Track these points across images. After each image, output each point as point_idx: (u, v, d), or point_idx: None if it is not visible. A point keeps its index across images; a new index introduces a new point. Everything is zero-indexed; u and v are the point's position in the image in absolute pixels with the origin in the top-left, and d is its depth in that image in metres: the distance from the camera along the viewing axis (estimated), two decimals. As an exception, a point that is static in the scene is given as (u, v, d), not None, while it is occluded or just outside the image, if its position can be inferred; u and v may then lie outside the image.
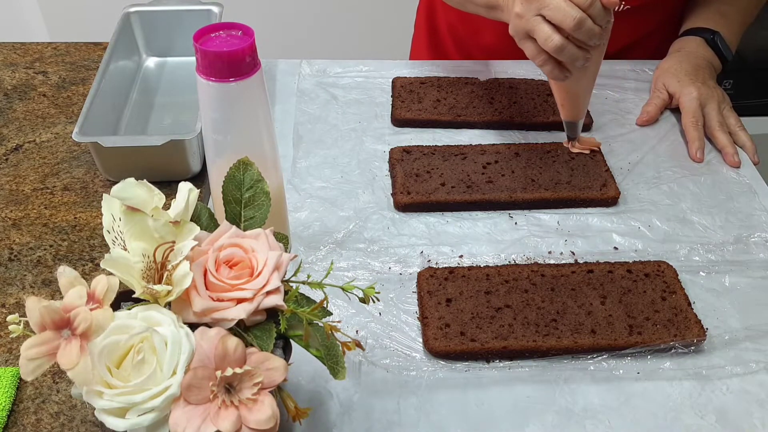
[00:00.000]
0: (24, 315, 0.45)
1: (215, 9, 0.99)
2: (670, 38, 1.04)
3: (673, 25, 1.07)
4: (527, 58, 1.04)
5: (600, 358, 0.66)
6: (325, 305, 0.50)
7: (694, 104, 0.92)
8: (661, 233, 0.79)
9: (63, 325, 0.45)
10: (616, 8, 0.74)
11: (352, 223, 0.79)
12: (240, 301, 0.49)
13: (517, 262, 0.76)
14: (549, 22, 0.72)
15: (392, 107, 0.95)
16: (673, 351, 0.67)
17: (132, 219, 0.49)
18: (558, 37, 0.71)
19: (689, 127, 0.91)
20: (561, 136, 0.90)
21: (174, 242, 0.49)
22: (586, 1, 0.70)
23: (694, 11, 1.03)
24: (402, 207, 0.81)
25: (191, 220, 0.54)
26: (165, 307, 0.48)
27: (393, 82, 0.98)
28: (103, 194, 0.51)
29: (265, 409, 0.45)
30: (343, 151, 0.89)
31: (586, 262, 0.75)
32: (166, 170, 0.81)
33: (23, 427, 0.61)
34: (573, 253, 0.77)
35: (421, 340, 0.67)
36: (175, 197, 0.54)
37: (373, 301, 0.53)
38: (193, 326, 0.47)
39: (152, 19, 1.00)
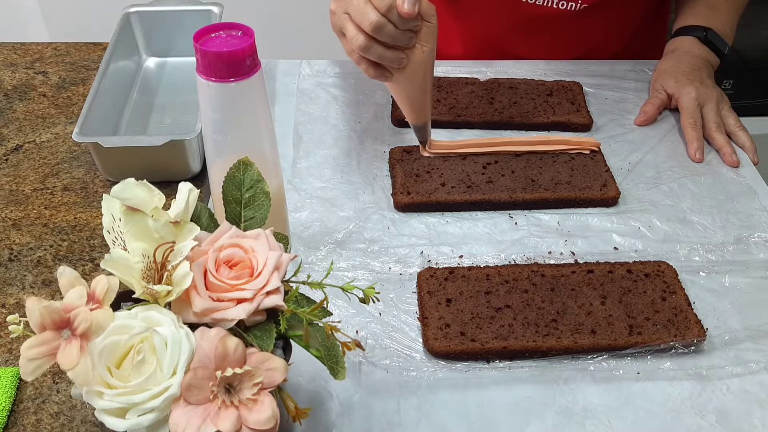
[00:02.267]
0: (24, 315, 0.45)
1: (215, 9, 0.99)
2: (657, 36, 1.03)
3: (655, 22, 1.06)
4: (518, 59, 1.04)
5: (600, 358, 0.66)
6: (325, 305, 0.50)
7: (693, 104, 0.92)
8: (661, 233, 0.79)
9: (63, 325, 0.45)
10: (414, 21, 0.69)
11: (352, 223, 0.79)
12: (240, 301, 0.49)
13: (517, 262, 0.76)
14: (352, 19, 0.69)
15: (392, 107, 0.95)
16: (673, 351, 0.67)
17: (132, 219, 0.49)
18: (362, 38, 0.68)
19: (688, 127, 0.91)
20: (562, 137, 0.90)
21: (174, 242, 0.49)
22: (384, 6, 0.66)
23: (684, 8, 1.03)
24: (402, 207, 0.81)
25: (191, 220, 0.54)
26: (165, 307, 0.48)
27: (393, 82, 0.98)
28: (103, 194, 0.51)
29: (265, 410, 0.45)
30: (343, 151, 0.89)
31: (586, 263, 0.75)
32: (166, 170, 0.81)
33: (23, 427, 0.61)
34: (573, 254, 0.77)
35: (421, 340, 0.67)
36: (175, 197, 0.54)
37: (373, 302, 0.53)
38: (193, 326, 0.47)
39: (152, 19, 1.00)
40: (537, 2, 0.99)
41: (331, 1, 0.72)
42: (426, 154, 0.85)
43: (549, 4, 0.99)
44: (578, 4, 0.99)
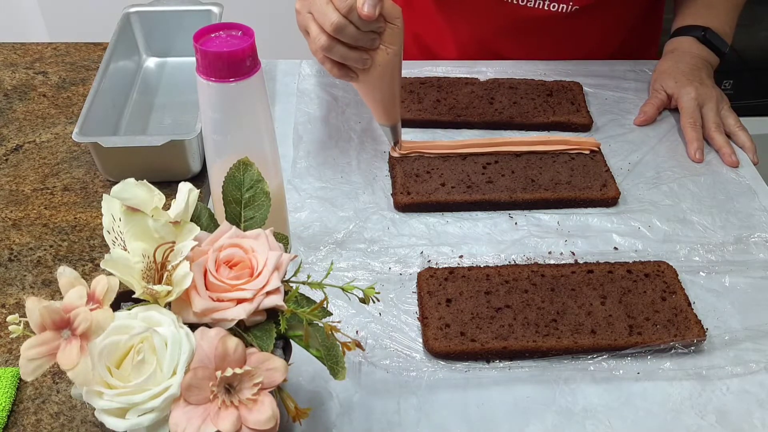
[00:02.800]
0: (24, 315, 0.45)
1: (215, 9, 0.99)
2: (651, 36, 1.03)
3: (648, 22, 1.06)
4: (515, 59, 1.04)
5: (600, 358, 0.66)
6: (325, 305, 0.50)
7: (692, 105, 0.91)
8: (661, 233, 0.79)
9: (63, 325, 0.45)
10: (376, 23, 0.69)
11: (352, 223, 0.79)
12: (240, 301, 0.49)
13: (517, 262, 0.76)
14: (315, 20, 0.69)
15: (392, 107, 0.94)
16: (673, 351, 0.67)
17: (132, 219, 0.49)
18: (324, 38, 0.68)
19: (687, 127, 0.91)
20: (562, 137, 0.90)
21: (174, 242, 0.49)
22: (344, 7, 0.66)
23: (683, 8, 1.02)
24: (402, 207, 0.81)
25: (191, 220, 0.54)
26: (165, 307, 0.48)
27: (393, 82, 0.98)
28: (103, 194, 0.51)
29: (265, 410, 0.45)
30: (343, 151, 0.89)
31: (586, 263, 0.75)
32: (166, 170, 0.81)
33: (23, 427, 0.61)
34: (573, 254, 0.77)
35: (421, 340, 0.67)
36: (175, 197, 0.54)
37: (373, 302, 0.53)
38: (193, 326, 0.47)
39: (152, 19, 1.00)
40: (528, 4, 0.98)
41: (296, 0, 0.72)
42: (395, 154, 0.85)
43: (540, 6, 0.99)
44: (570, 6, 0.98)
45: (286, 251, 0.53)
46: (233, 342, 0.45)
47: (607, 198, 0.82)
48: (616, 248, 0.77)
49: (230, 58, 0.58)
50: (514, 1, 0.99)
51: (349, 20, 0.67)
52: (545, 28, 1.01)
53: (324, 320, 0.50)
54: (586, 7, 0.99)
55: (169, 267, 0.48)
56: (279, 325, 0.49)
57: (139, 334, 0.46)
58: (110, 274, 0.47)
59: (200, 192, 0.55)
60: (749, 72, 1.63)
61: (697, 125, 0.91)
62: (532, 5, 0.99)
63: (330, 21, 0.67)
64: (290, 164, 0.86)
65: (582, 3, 0.98)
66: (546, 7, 0.99)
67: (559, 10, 0.99)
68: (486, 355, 0.66)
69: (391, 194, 0.82)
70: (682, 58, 0.97)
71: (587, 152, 0.87)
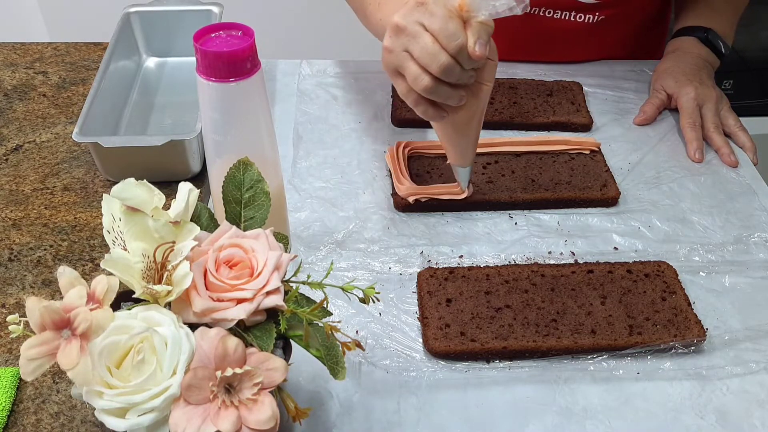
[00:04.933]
0: (24, 315, 0.45)
1: (215, 9, 0.99)
2: (660, 38, 1.03)
3: (659, 24, 1.06)
4: (521, 60, 1.04)
5: (600, 358, 0.66)
6: (325, 305, 0.50)
7: (692, 104, 0.92)
8: (661, 233, 0.79)
9: (63, 325, 0.45)
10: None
11: (352, 223, 0.79)
12: (240, 301, 0.49)
13: (517, 262, 0.76)
14: (416, 59, 0.64)
15: (392, 107, 0.95)
16: (673, 351, 0.67)
17: (132, 219, 0.49)
18: (428, 79, 0.64)
19: (687, 127, 0.91)
20: (562, 137, 0.90)
21: (174, 242, 0.49)
22: (454, 48, 0.62)
23: (685, 9, 1.03)
24: (402, 207, 0.81)
25: (191, 220, 0.54)
26: (165, 307, 0.48)
27: (393, 82, 0.98)
28: (103, 194, 0.51)
29: (265, 409, 0.45)
30: (343, 151, 0.89)
31: (586, 263, 0.75)
32: (166, 170, 0.81)
33: (23, 427, 0.61)
34: (573, 254, 0.77)
35: (421, 340, 0.67)
36: (175, 197, 0.54)
37: (373, 302, 0.53)
38: (193, 326, 0.47)
39: (152, 19, 1.00)
40: (554, 15, 0.99)
41: (386, 37, 0.67)
42: (463, 196, 0.80)
43: (567, 18, 0.99)
44: (596, 17, 0.99)
45: (286, 251, 0.53)
46: (233, 342, 0.45)
47: (607, 198, 0.82)
48: (616, 248, 0.77)
49: (230, 58, 0.58)
50: (541, 13, 0.99)
51: (456, 60, 0.63)
52: (567, 38, 1.01)
53: (324, 320, 0.50)
54: (611, 16, 0.99)
55: (169, 267, 0.48)
56: (279, 325, 0.49)
57: (139, 334, 0.46)
58: (110, 274, 0.47)
59: (200, 192, 0.55)
60: (749, 72, 1.63)
61: (696, 125, 0.91)
62: (559, 17, 0.99)
63: (439, 62, 0.62)
64: (290, 164, 0.86)
65: (607, 13, 0.99)
66: (572, 18, 0.99)
67: (586, 20, 0.99)
68: (486, 355, 0.66)
69: (391, 194, 0.82)
70: (683, 58, 0.97)
71: (587, 152, 0.87)
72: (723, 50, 0.98)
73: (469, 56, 0.63)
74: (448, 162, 0.77)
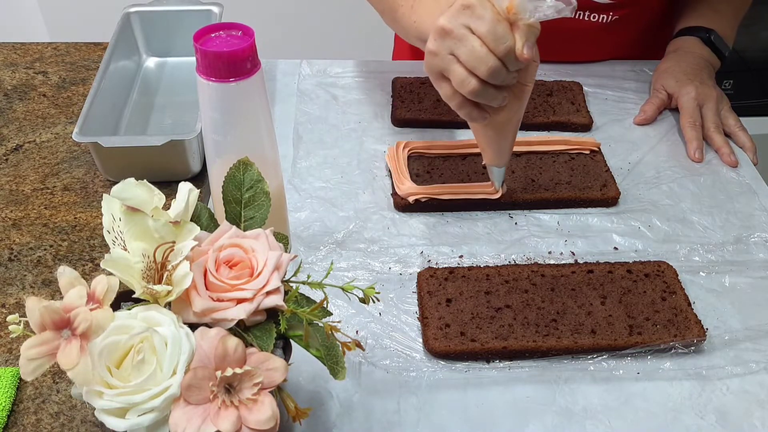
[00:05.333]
0: (24, 315, 0.45)
1: (215, 9, 0.99)
2: (665, 38, 1.03)
3: (667, 24, 1.06)
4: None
5: (600, 358, 0.66)
6: (325, 305, 0.50)
7: (692, 104, 0.92)
8: (661, 233, 0.79)
9: (63, 325, 0.45)
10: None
11: (352, 223, 0.79)
12: (240, 301, 0.49)
13: (517, 262, 0.76)
14: (462, 63, 0.65)
15: (392, 107, 0.95)
16: (673, 351, 0.67)
17: (132, 219, 0.49)
18: (475, 81, 0.64)
19: (687, 127, 0.91)
20: (562, 137, 0.90)
21: (174, 242, 0.49)
22: (502, 51, 0.63)
23: (688, 9, 1.03)
24: (402, 207, 0.81)
25: (191, 220, 0.54)
26: (165, 307, 0.48)
27: (393, 82, 0.98)
28: (103, 194, 0.51)
29: (265, 409, 0.45)
30: (343, 151, 0.89)
31: (586, 263, 0.75)
32: (166, 170, 0.81)
33: (23, 427, 0.61)
34: (573, 254, 0.77)
35: (421, 340, 0.67)
36: (175, 197, 0.54)
37: (373, 302, 0.53)
38: (193, 326, 0.47)
39: (152, 19, 1.00)
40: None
41: (429, 40, 0.67)
42: (497, 196, 0.80)
43: (581, 17, 0.99)
44: (610, 17, 0.99)
45: (286, 251, 0.53)
46: (233, 342, 0.45)
47: (607, 198, 0.82)
48: (616, 248, 0.77)
49: (230, 58, 0.58)
50: None
51: (503, 63, 0.63)
52: (580, 38, 1.01)
53: (324, 320, 0.50)
54: (624, 16, 0.99)
55: (169, 267, 0.48)
56: (279, 325, 0.49)
57: (139, 334, 0.46)
58: (110, 274, 0.47)
59: (200, 192, 0.55)
60: (749, 72, 1.63)
61: (696, 125, 0.91)
62: (573, 16, 0.99)
63: (487, 65, 0.63)
64: (290, 164, 0.86)
65: (621, 13, 0.99)
66: (587, 18, 0.99)
67: (600, 20, 0.99)
68: (486, 355, 0.66)
69: (391, 194, 0.82)
70: (685, 57, 0.97)
71: (587, 152, 0.87)
72: (724, 52, 0.98)
73: (516, 58, 0.63)
74: (483, 163, 0.78)
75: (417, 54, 1.13)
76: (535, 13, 0.62)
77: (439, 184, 0.82)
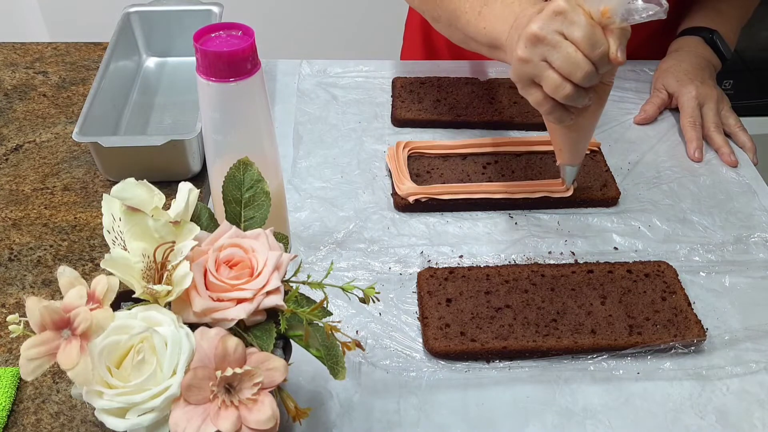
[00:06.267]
0: (24, 315, 0.45)
1: (215, 9, 0.99)
2: (666, 41, 1.03)
3: (668, 31, 1.06)
4: None
5: (600, 358, 0.66)
6: (325, 305, 0.50)
7: (692, 104, 0.92)
8: (661, 233, 0.79)
9: (63, 325, 0.45)
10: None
11: (352, 223, 0.79)
12: (240, 301, 0.49)
13: (517, 262, 0.76)
14: (556, 69, 0.65)
15: (392, 107, 0.95)
16: (673, 351, 0.67)
17: (132, 219, 0.49)
18: (570, 87, 0.65)
19: (687, 127, 0.91)
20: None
21: (174, 242, 0.49)
22: (597, 55, 0.63)
23: (692, 10, 1.03)
24: (402, 207, 0.81)
25: (191, 220, 0.54)
26: (165, 307, 0.48)
27: (393, 82, 0.99)
28: (103, 194, 0.51)
29: (265, 409, 0.45)
30: (343, 151, 0.89)
31: (586, 262, 0.75)
32: (166, 170, 0.81)
33: (23, 427, 0.61)
34: (573, 253, 0.77)
35: (421, 340, 0.67)
36: (175, 197, 0.54)
37: (373, 301, 0.53)
38: (193, 326, 0.47)
39: (152, 19, 1.00)
40: None
41: (518, 47, 0.66)
42: (569, 193, 0.81)
43: None
44: None
45: (286, 251, 0.53)
46: (233, 342, 0.45)
47: (607, 198, 0.82)
48: (616, 248, 0.77)
49: (230, 58, 0.58)
50: None
51: (595, 67, 0.64)
52: None
53: (324, 320, 0.50)
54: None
55: (169, 267, 0.48)
56: (279, 325, 0.49)
57: (139, 334, 0.46)
58: (110, 273, 0.47)
59: (200, 192, 0.55)
60: (749, 72, 1.63)
61: (696, 125, 0.91)
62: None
63: (584, 71, 0.63)
64: (290, 164, 0.86)
65: None
66: None
67: None
68: (486, 355, 0.66)
69: (391, 194, 0.82)
70: (686, 57, 0.97)
71: (587, 152, 0.87)
72: (726, 54, 0.98)
73: (609, 62, 0.64)
74: (558, 163, 0.78)
75: (428, 54, 1.13)
76: (628, 16, 0.62)
77: (439, 184, 0.82)
